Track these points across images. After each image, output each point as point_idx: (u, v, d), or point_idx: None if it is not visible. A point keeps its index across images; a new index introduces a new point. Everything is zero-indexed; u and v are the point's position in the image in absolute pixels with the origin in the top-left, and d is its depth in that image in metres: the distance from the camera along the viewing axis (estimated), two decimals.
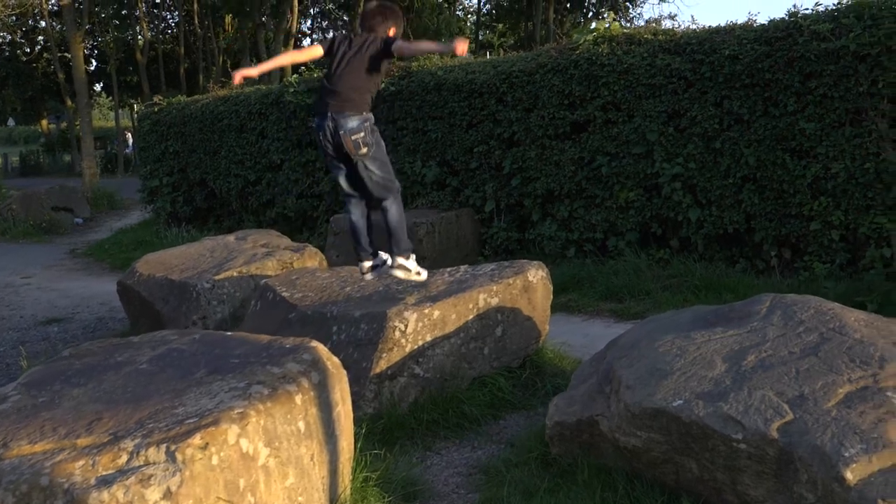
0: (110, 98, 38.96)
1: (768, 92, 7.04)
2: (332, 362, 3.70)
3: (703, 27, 8.02)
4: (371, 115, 4.45)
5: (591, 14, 33.38)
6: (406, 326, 4.79)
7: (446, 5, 32.75)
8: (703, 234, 7.55)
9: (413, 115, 9.50)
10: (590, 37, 8.17)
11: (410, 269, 4.70)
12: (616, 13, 34.55)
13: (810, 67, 6.78)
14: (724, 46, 7.26)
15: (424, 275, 4.80)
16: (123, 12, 27.67)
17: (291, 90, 10.69)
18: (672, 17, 37.48)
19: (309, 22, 41.74)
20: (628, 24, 33.40)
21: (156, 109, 13.27)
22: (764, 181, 7.15)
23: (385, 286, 5.47)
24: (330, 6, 35.12)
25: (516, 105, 8.65)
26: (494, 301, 5.17)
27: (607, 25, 8.19)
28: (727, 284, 6.97)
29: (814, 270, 6.69)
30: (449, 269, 5.71)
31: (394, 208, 4.56)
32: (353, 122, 4.35)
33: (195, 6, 28.60)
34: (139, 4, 28.30)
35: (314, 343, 3.77)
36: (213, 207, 12.89)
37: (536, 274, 5.47)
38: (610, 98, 7.97)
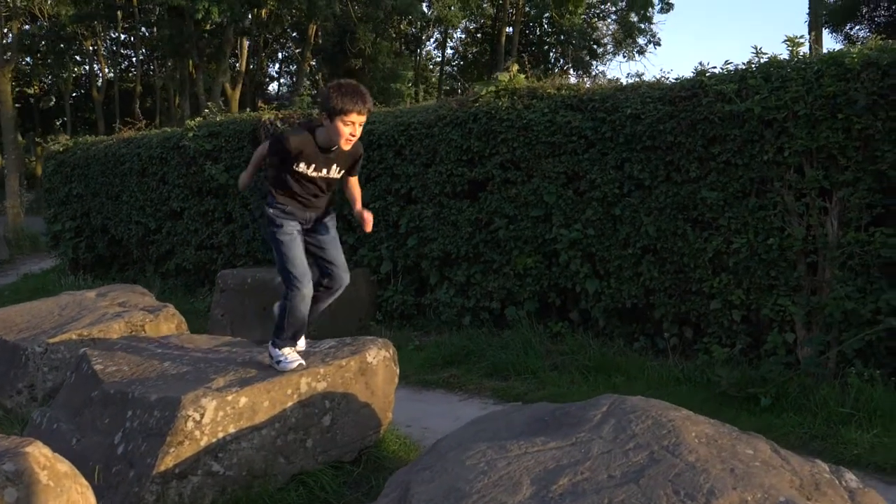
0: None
1: (670, 156, 6.45)
2: (53, 472, 2.96)
3: (613, 83, 7.48)
4: (273, 200, 4.34)
5: (556, 69, 33.24)
6: (202, 416, 4.05)
7: (406, 50, 32.44)
8: (602, 308, 6.90)
9: None
10: (491, 89, 7.59)
11: (273, 356, 4.43)
12: (577, 69, 34.57)
13: (714, 131, 6.20)
14: (627, 105, 6.68)
15: (290, 364, 4.39)
16: (61, 45, 26.97)
17: (191, 134, 10.02)
18: (639, 76, 37.47)
19: (277, 66, 41.42)
20: (590, 81, 33.31)
21: (60, 149, 12.51)
22: (664, 253, 6.52)
23: (212, 362, 4.75)
24: (297, 51, 34.70)
25: (415, 159, 8.02)
26: (321, 386, 4.44)
27: (511, 77, 7.61)
28: (619, 365, 6.30)
29: (712, 354, 6.04)
30: None
31: (285, 302, 4.36)
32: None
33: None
34: (87, 42, 27.66)
35: (29, 448, 3.01)
36: (116, 255, 12.09)
37: (378, 354, 4.76)
38: (509, 156, 7.35)
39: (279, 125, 9.05)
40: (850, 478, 3.06)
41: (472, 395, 6.35)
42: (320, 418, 4.46)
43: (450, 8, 28.31)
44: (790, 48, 6.14)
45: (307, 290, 4.23)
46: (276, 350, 4.38)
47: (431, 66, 40.53)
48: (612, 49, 35.96)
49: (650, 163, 6.55)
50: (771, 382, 5.48)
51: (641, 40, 34.55)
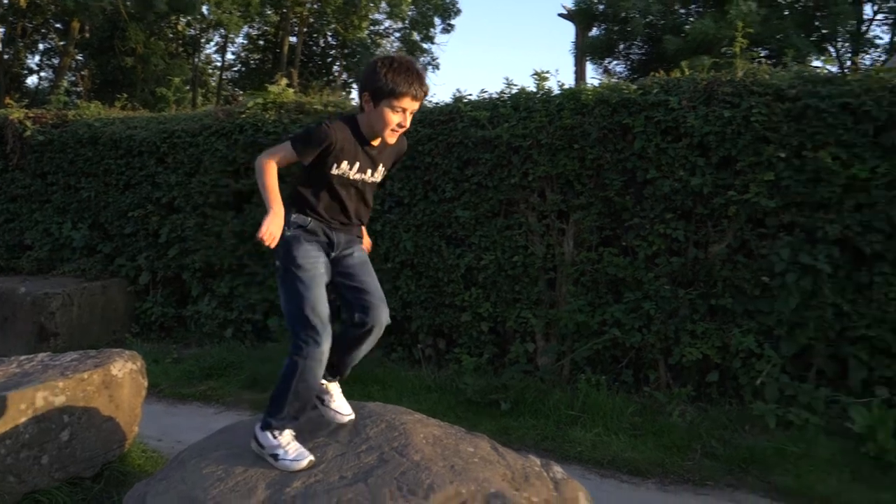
0: None
1: (429, 176, 6.82)
2: None
3: None
4: (288, 216, 3.13)
5: (333, 82, 33.41)
6: None
7: (183, 52, 31.38)
8: None
9: (65, 170, 8.46)
10: (259, 101, 7.64)
11: (263, 444, 3.25)
12: (357, 80, 34.95)
13: (468, 154, 6.63)
14: None
15: (292, 462, 3.20)
16: None
17: None
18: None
19: (37, 58, 38.56)
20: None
21: None
22: (421, 268, 6.87)
23: None
24: (61, 44, 32.53)
25: (178, 168, 7.90)
26: (59, 400, 4.31)
27: (280, 90, 7.71)
28: (377, 375, 6.55)
29: (462, 363, 6.43)
30: (23, 358, 4.78)
31: (293, 364, 3.14)
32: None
33: None
34: None
35: None
36: None
37: (124, 367, 4.68)
38: None
39: (29, 125, 8.57)
40: (557, 470, 3.43)
41: (230, 408, 6.34)
42: (58, 433, 4.32)
43: (229, 12, 27.77)
44: (537, 81, 6.68)
45: (327, 345, 3.12)
46: (269, 436, 3.22)
47: (211, 70, 39.46)
48: None
49: (410, 181, 6.87)
50: (511, 389, 5.93)
51: (424, 59, 35.47)
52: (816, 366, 5.61)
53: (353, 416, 3.42)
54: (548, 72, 6.73)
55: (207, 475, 3.25)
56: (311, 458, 3.18)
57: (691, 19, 19.01)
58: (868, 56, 21.41)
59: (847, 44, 21.61)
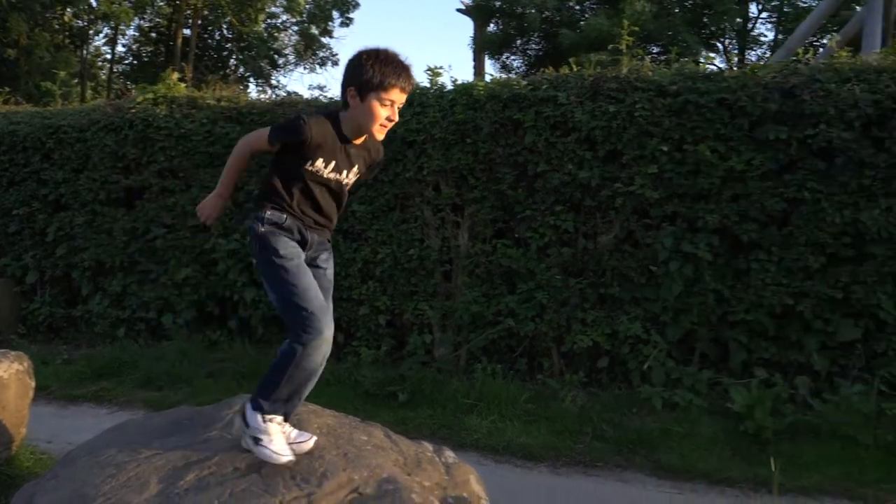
0: None
1: None
2: None
3: (272, 98, 7.72)
4: (262, 213, 3.00)
5: (230, 76, 32.80)
6: None
7: (70, 44, 30.24)
8: (260, 316, 7.09)
9: None
10: (149, 95, 7.49)
11: (251, 426, 3.11)
12: (257, 78, 34.46)
13: None
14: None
15: (275, 454, 3.08)
16: None
17: None
18: (321, 88, 38.03)
19: None
20: (272, 93, 33.30)
21: None
22: None
23: None
24: None
25: (65, 164, 7.68)
26: None
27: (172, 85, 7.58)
28: None
29: (360, 357, 6.48)
30: None
31: (292, 351, 3.02)
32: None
33: None
34: None
35: None
36: None
37: (9, 368, 4.55)
38: (167, 164, 7.32)
39: None
40: (449, 455, 3.52)
41: (123, 408, 6.22)
42: None
43: (119, 3, 26.93)
44: (430, 77, 6.78)
45: (329, 332, 2.99)
46: (259, 419, 3.09)
47: (101, 63, 38.14)
48: (294, 60, 36.22)
49: None
50: (408, 380, 6.01)
51: (324, 53, 35.16)
52: (700, 349, 5.88)
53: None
54: (441, 67, 6.85)
55: (98, 472, 3.21)
56: (293, 457, 3.08)
57: (586, 15, 19.50)
58: (754, 52, 22.40)
59: (734, 41, 22.55)
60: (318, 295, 2.99)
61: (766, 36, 22.26)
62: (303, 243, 3.05)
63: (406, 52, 2.92)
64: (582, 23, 18.75)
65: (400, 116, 6.50)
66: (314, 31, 34.17)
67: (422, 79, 8.00)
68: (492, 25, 21.76)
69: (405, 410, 5.81)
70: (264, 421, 3.09)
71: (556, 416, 5.61)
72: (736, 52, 21.97)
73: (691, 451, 5.12)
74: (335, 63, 36.29)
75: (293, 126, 2.90)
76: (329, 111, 3.06)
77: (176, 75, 7.64)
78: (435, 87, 6.70)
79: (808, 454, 5.06)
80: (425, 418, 5.68)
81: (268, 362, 6.62)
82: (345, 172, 3.04)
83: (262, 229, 2.95)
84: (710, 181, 5.71)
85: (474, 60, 23.54)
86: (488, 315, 6.25)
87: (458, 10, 23.19)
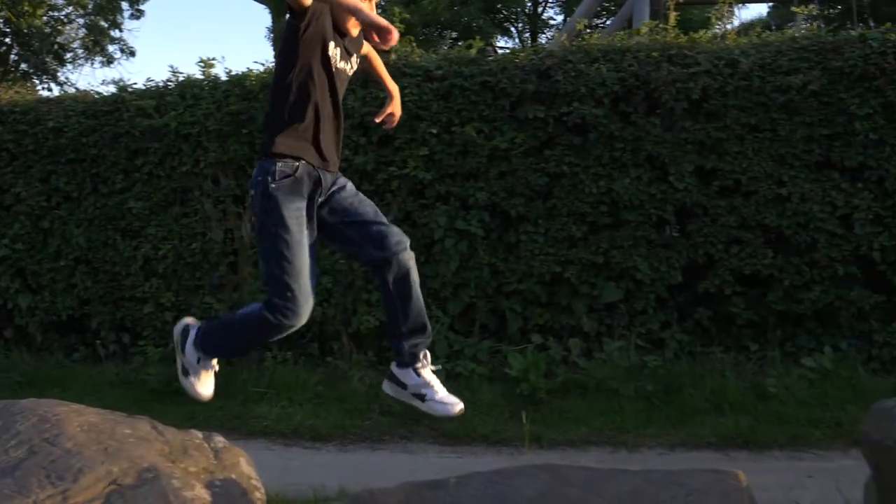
0: None
1: (96, 168, 6.63)
2: None
3: (35, 96, 7.39)
4: (272, 164, 2.78)
5: (11, 73, 30.64)
6: None
7: None
8: (38, 322, 6.80)
9: None
10: None
11: (188, 357, 3.09)
12: (41, 75, 32.36)
13: (136, 144, 6.54)
14: (49, 118, 6.69)
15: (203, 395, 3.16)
16: None
17: None
18: (116, 83, 36.07)
19: None
20: (61, 89, 31.38)
21: None
22: (97, 263, 6.67)
23: None
24: None
25: None
26: None
27: None
28: (55, 378, 6.29)
29: (147, 355, 6.35)
30: None
31: (254, 316, 2.89)
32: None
33: None
34: None
35: None
36: None
37: None
38: None
39: None
40: (219, 440, 3.56)
41: None
42: None
43: None
44: (203, 69, 6.71)
45: (298, 321, 2.86)
46: (194, 356, 3.07)
47: None
48: (83, 55, 34.24)
49: (77, 175, 6.65)
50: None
51: (113, 48, 33.44)
52: (479, 321, 6.20)
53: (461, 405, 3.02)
54: (214, 59, 6.80)
55: None
56: (209, 394, 3.13)
57: (383, 3, 19.70)
58: (544, 36, 23.38)
59: (526, 24, 23.48)
60: (307, 280, 2.80)
61: (554, 20, 23.33)
62: (316, 186, 2.86)
63: (206, 43, 2.93)
64: (378, 10, 18.92)
65: (173, 109, 6.39)
66: (103, 23, 32.47)
67: (194, 71, 7.91)
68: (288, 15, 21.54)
69: (194, 405, 5.73)
70: (198, 361, 3.03)
71: (345, 397, 5.76)
72: (528, 35, 22.92)
73: (472, 417, 5.37)
74: (131, 54, 34.74)
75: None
76: None
77: None
78: (208, 79, 6.64)
79: (578, 409, 5.48)
80: (215, 410, 5.65)
81: (48, 371, 6.39)
82: (347, 62, 2.93)
83: (273, 186, 2.75)
84: (477, 160, 6.01)
85: (273, 51, 23.22)
86: None
87: (255, 0, 22.79)
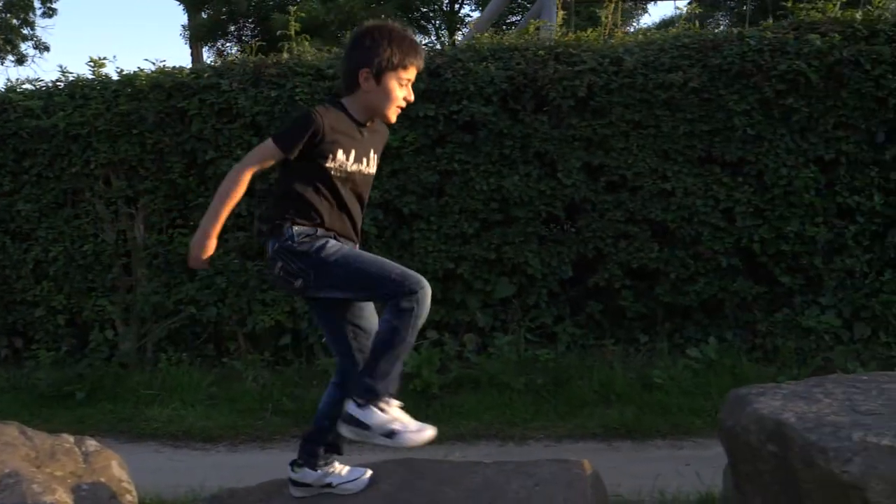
0: None
1: None
2: None
3: None
4: (295, 229, 2.59)
5: None
6: None
7: None
8: None
9: None
10: None
11: (371, 427, 2.56)
12: None
13: (24, 146, 6.43)
14: None
15: (411, 433, 2.61)
16: None
17: None
18: (31, 81, 35.03)
19: None
20: None
21: None
22: None
23: None
24: None
25: None
26: None
27: None
28: None
29: (39, 359, 6.26)
30: None
31: (396, 323, 2.53)
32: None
33: None
34: None
35: None
36: None
37: None
38: None
39: None
40: (91, 444, 3.56)
41: None
42: None
43: None
44: (93, 69, 6.62)
45: (425, 288, 2.52)
46: (371, 411, 2.57)
47: None
48: None
49: None
50: (87, 378, 5.92)
51: (26, 46, 32.48)
52: None
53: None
54: (105, 58, 6.71)
55: None
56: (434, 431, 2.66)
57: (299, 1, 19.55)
58: (461, 33, 23.46)
59: (443, 22, 23.54)
60: (389, 261, 2.62)
61: (471, 16, 23.39)
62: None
63: (120, 48, 2.82)
64: (294, 7, 18.79)
65: (62, 109, 6.33)
66: (15, 22, 31.47)
67: (83, 70, 7.80)
68: (204, 12, 21.24)
69: (84, 409, 5.72)
70: (383, 411, 2.58)
71: (238, 397, 5.77)
72: (445, 32, 22.97)
73: None
74: (46, 49, 33.74)
75: (304, 122, 2.58)
76: (330, 99, 2.86)
77: None
78: (99, 79, 6.56)
79: (469, 404, 5.57)
80: (105, 414, 5.62)
81: None
82: (365, 161, 2.76)
83: (292, 242, 2.59)
84: None
85: (191, 49, 22.86)
86: (170, 305, 6.26)
87: None
